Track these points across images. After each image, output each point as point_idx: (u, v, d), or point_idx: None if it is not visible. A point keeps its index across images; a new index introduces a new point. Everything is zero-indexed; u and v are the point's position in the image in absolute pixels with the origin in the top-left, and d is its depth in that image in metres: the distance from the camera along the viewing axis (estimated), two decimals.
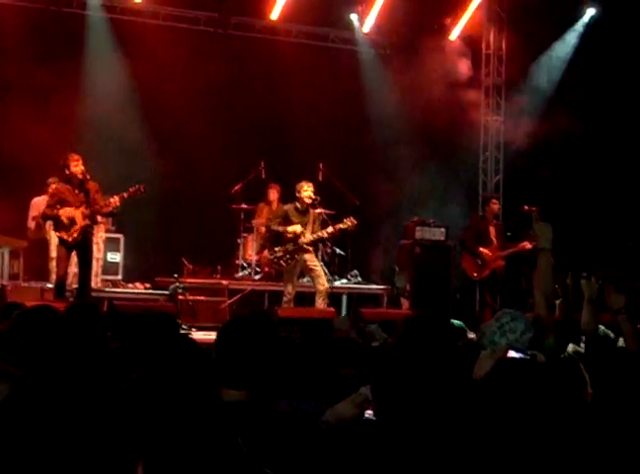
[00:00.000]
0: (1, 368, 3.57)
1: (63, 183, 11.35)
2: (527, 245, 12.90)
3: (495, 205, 13.70)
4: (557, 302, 6.22)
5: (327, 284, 12.38)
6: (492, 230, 13.56)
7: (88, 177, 11.11)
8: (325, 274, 13.79)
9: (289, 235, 12.14)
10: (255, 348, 3.72)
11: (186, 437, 2.56)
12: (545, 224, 4.84)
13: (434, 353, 4.25)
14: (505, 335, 4.83)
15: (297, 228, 12.15)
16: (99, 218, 11.89)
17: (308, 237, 12.23)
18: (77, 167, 11.12)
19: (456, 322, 6.64)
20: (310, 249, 12.39)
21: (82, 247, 11.32)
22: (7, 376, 3.48)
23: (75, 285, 11.82)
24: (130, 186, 11.35)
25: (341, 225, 12.30)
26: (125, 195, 11.25)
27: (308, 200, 12.17)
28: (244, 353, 3.73)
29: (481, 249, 13.36)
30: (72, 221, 11.13)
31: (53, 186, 11.87)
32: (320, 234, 12.35)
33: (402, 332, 5.02)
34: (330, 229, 12.30)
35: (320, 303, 12.17)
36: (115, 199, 11.21)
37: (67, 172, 11.18)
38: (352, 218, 12.35)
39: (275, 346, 3.93)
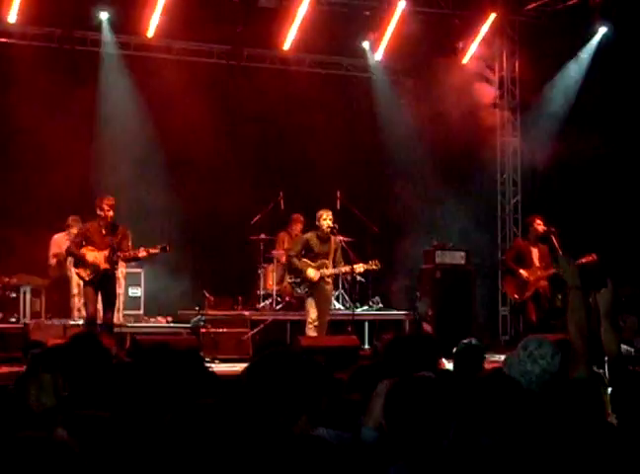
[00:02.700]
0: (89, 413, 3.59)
1: (92, 222, 11.41)
2: None
3: (539, 226, 13.07)
4: None
5: (328, 316, 12.54)
6: (535, 251, 13.20)
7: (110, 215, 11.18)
8: (346, 301, 13.88)
9: (305, 276, 12.22)
10: (286, 383, 3.68)
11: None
12: (568, 260, 4.81)
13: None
14: (536, 362, 4.78)
15: (315, 276, 12.17)
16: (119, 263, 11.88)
17: (330, 270, 12.28)
18: (109, 211, 11.18)
19: (473, 342, 6.64)
20: (330, 281, 12.44)
21: (105, 286, 11.37)
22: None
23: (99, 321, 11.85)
24: (159, 244, 11.52)
25: (365, 266, 12.36)
26: (152, 250, 11.35)
27: (327, 229, 12.20)
28: (276, 388, 3.68)
29: (521, 270, 13.15)
30: (94, 263, 11.18)
31: (76, 224, 11.91)
32: (343, 269, 12.42)
33: (385, 354, 5.16)
34: (353, 267, 12.35)
35: (314, 332, 12.18)
36: (142, 254, 11.32)
37: (98, 212, 11.25)
38: (377, 261, 12.40)
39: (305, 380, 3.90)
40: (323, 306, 12.34)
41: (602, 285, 4.83)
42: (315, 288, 12.26)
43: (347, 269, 12.42)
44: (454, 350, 6.58)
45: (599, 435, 3.62)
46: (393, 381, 3.76)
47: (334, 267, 12.36)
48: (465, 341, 6.59)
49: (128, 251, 11.36)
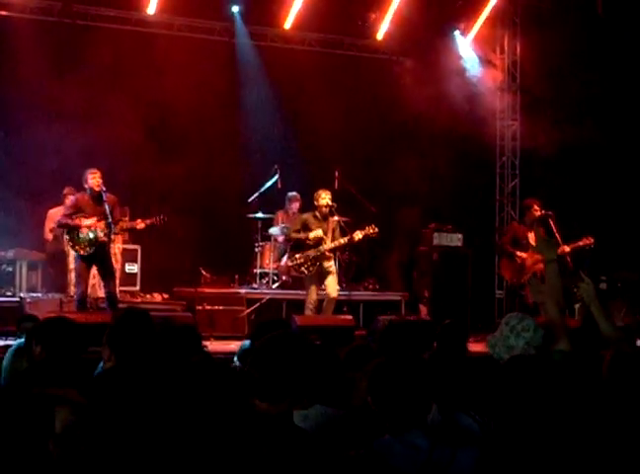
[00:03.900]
0: (62, 394, 3.59)
1: (82, 193, 11.39)
2: (566, 248, 12.46)
3: (537, 212, 12.96)
4: (577, 306, 6.20)
5: (336, 293, 12.38)
6: (531, 235, 13.13)
7: (104, 188, 11.13)
8: (342, 281, 13.83)
9: (311, 241, 12.16)
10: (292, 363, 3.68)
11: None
12: (546, 238, 4.95)
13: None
14: (520, 335, 4.81)
15: (319, 232, 12.16)
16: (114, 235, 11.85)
17: (330, 244, 12.24)
18: (94, 179, 11.16)
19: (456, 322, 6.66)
20: (331, 256, 12.42)
21: (100, 259, 11.35)
22: (67, 402, 3.52)
23: (95, 296, 11.84)
24: (156, 215, 11.49)
25: (363, 233, 12.26)
26: (149, 221, 11.34)
27: (326, 209, 12.19)
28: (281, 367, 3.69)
29: (518, 253, 13.07)
30: (91, 234, 11.15)
31: (70, 197, 11.92)
32: (342, 241, 12.34)
33: (383, 335, 5.41)
34: (352, 236, 12.27)
35: (329, 310, 12.17)
36: (140, 225, 11.32)
37: (85, 185, 11.23)
38: (373, 226, 12.33)
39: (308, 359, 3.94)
40: (329, 281, 12.29)
41: (579, 279, 4.86)
42: (318, 262, 12.19)
43: (345, 239, 12.33)
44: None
45: (587, 409, 3.68)
46: (378, 361, 3.88)
47: None
48: (448, 321, 6.58)
49: (122, 220, 11.36)
